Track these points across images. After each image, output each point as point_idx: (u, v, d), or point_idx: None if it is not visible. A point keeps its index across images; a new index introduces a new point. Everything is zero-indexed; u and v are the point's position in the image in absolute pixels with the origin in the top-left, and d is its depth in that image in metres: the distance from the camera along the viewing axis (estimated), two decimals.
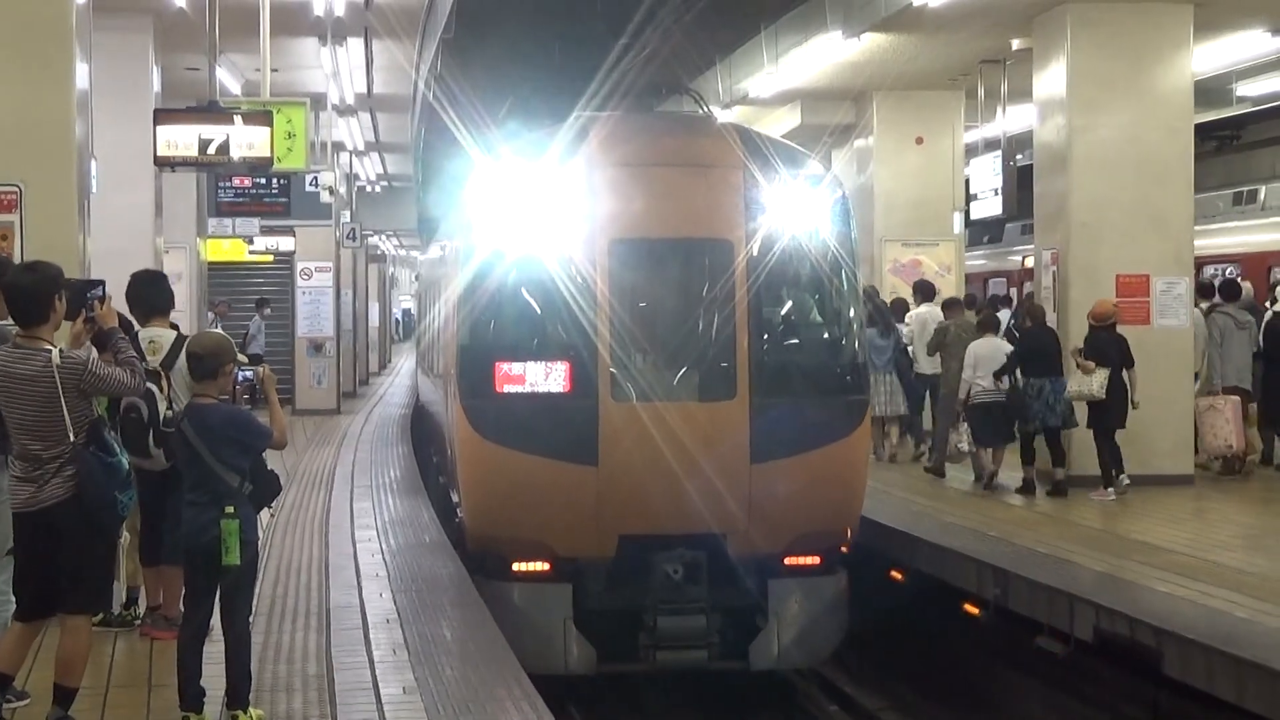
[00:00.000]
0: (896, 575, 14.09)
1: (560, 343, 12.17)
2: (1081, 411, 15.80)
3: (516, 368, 12.07)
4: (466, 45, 16.71)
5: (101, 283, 8.27)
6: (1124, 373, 15.54)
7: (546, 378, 12.03)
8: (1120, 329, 15.83)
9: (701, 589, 12.08)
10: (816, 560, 12.53)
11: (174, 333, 9.78)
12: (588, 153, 12.39)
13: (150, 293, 10.16)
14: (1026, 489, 16.23)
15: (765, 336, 12.50)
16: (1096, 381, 15.34)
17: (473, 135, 15.38)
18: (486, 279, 12.35)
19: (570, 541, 12.12)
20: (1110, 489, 15.57)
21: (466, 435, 12.29)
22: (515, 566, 12.28)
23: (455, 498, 13.52)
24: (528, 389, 12.05)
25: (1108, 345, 15.57)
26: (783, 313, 12.99)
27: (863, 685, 14.24)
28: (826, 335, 13.34)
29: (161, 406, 9.23)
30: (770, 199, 12.40)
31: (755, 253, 12.23)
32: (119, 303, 9.50)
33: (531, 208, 12.26)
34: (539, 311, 12.37)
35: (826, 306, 13.18)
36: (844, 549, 12.76)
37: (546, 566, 12.25)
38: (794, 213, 12.46)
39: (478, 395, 12.27)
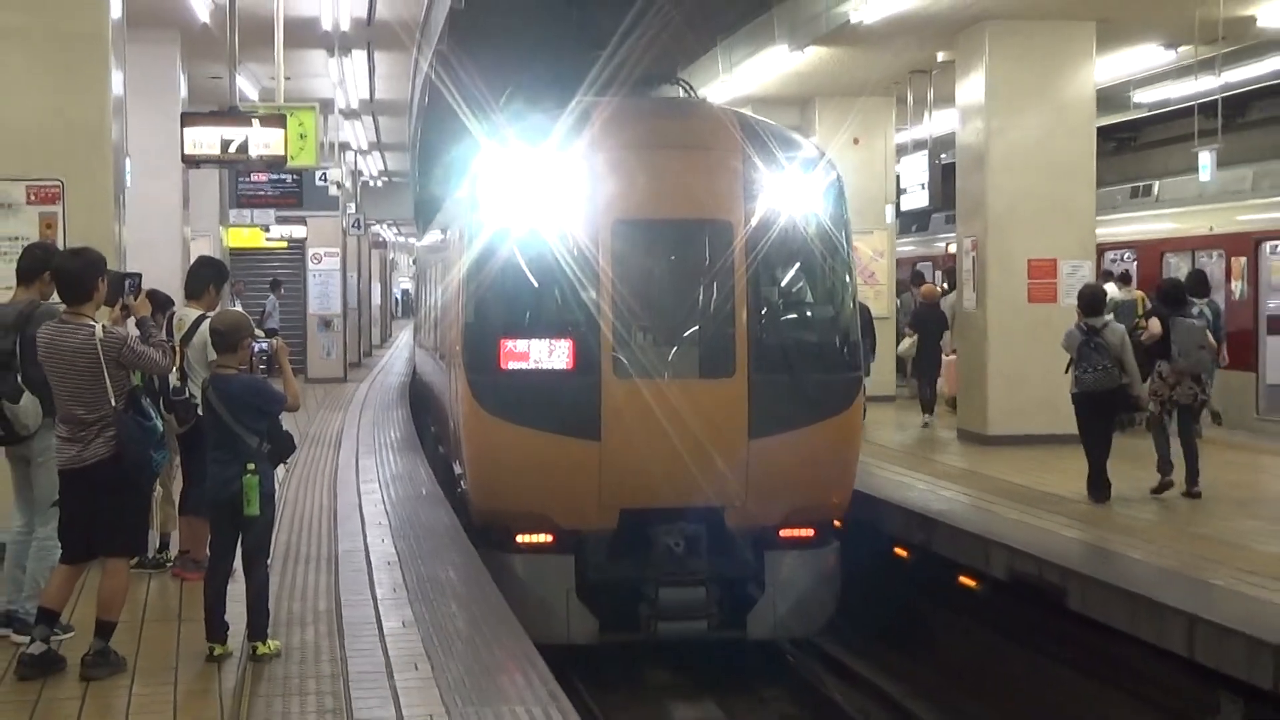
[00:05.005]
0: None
1: (564, 321, 11.33)
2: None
3: (521, 345, 11.19)
4: (468, 37, 16.54)
5: (138, 275, 8.29)
6: (943, 337, 19.28)
7: (550, 355, 11.17)
8: (1031, 307, 16.75)
9: (701, 561, 11.33)
10: (811, 532, 11.72)
11: (197, 313, 9.77)
12: (591, 136, 11.51)
13: (190, 276, 10.30)
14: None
15: (763, 315, 11.59)
16: (904, 345, 19.62)
17: (478, 120, 14.49)
18: (492, 259, 11.44)
19: (573, 514, 11.27)
20: (927, 417, 19.06)
21: (471, 411, 11.42)
22: (519, 538, 11.38)
23: (459, 469, 12.75)
24: (531, 365, 11.17)
25: (928, 319, 19.32)
26: (780, 291, 12.10)
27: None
28: (823, 313, 12.27)
29: (173, 378, 9.22)
30: (768, 181, 11.53)
31: (754, 233, 11.34)
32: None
33: (536, 189, 11.37)
34: (543, 290, 11.47)
35: (822, 285, 12.21)
36: (837, 522, 12.04)
37: (549, 539, 11.36)
38: (791, 194, 11.59)
39: (482, 371, 11.36)
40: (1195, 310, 15.92)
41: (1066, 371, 13.02)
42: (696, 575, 11.28)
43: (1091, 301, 12.97)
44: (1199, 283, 17.38)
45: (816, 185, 11.81)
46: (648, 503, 11.26)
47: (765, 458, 11.22)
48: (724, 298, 11.30)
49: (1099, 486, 12.89)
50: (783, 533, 11.62)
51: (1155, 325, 12.88)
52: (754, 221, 11.37)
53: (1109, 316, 13.10)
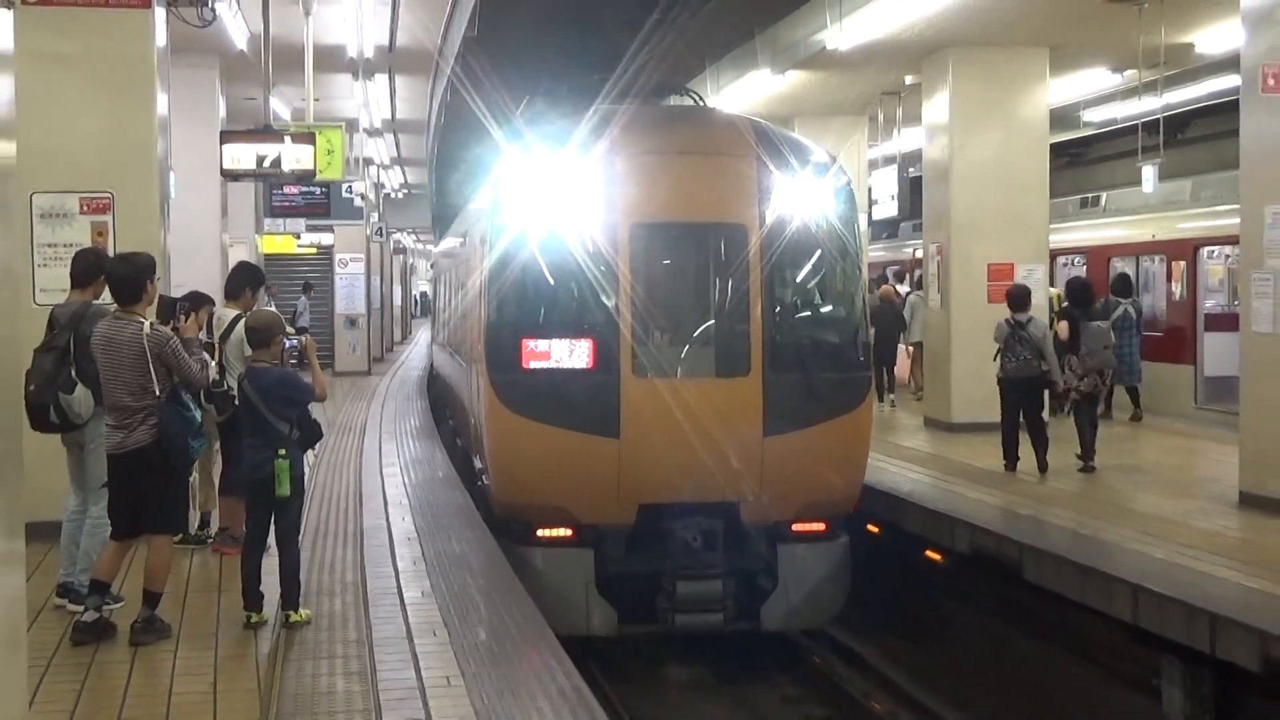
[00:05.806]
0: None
1: (583, 321, 10.68)
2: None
3: (542, 345, 10.55)
4: (481, 60, 16.47)
5: (188, 301, 8.32)
6: (899, 333, 20.22)
7: (570, 354, 10.52)
8: (990, 306, 16.28)
9: (717, 555, 10.68)
10: (822, 526, 11.10)
11: (234, 312, 9.78)
12: (610, 142, 10.83)
13: (228, 280, 10.37)
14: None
15: (777, 315, 10.94)
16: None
17: (501, 128, 13.81)
18: (514, 261, 10.79)
19: (592, 509, 10.64)
20: (888, 399, 19.80)
21: (494, 408, 10.74)
22: (539, 532, 10.77)
23: (480, 464, 12.08)
24: (552, 365, 10.52)
25: (884, 316, 19.84)
26: (793, 293, 11.41)
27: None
28: (834, 314, 11.56)
29: (212, 371, 9.20)
30: (781, 185, 10.88)
31: (767, 236, 10.71)
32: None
33: (557, 194, 10.72)
34: (563, 291, 10.82)
35: (834, 286, 11.54)
36: (849, 513, 11.37)
37: (569, 533, 10.74)
38: (803, 198, 10.95)
39: (505, 370, 10.69)
40: (1120, 309, 16.54)
41: (995, 359, 13.43)
42: (713, 569, 10.71)
43: (1019, 299, 13.42)
44: (1123, 284, 17.75)
45: (827, 189, 11.21)
46: (665, 498, 10.67)
47: (779, 454, 10.65)
48: (739, 299, 10.73)
49: (1012, 457, 13.53)
50: (795, 527, 11.06)
51: (1063, 329, 13.33)
52: (768, 224, 10.78)
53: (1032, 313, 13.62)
